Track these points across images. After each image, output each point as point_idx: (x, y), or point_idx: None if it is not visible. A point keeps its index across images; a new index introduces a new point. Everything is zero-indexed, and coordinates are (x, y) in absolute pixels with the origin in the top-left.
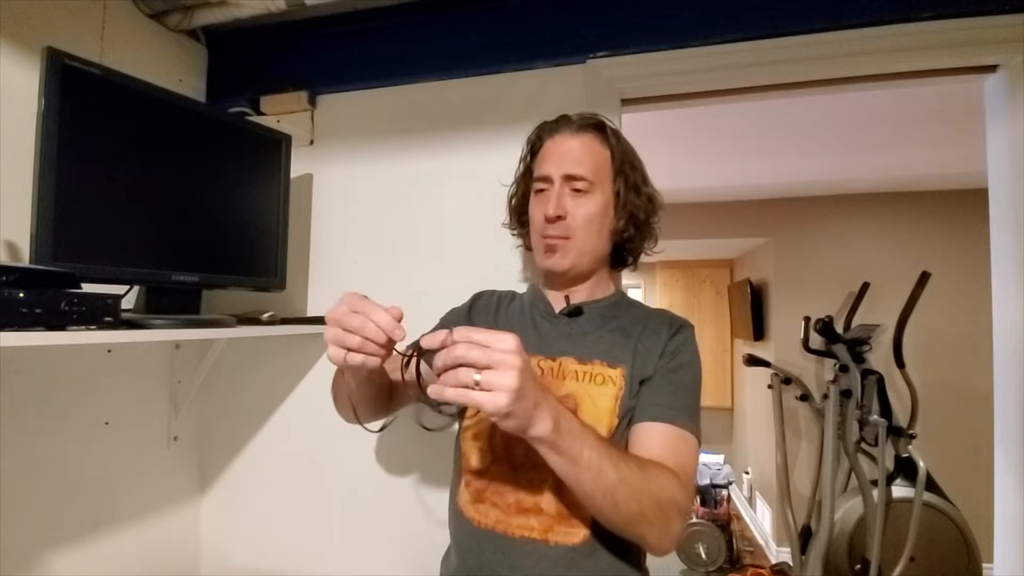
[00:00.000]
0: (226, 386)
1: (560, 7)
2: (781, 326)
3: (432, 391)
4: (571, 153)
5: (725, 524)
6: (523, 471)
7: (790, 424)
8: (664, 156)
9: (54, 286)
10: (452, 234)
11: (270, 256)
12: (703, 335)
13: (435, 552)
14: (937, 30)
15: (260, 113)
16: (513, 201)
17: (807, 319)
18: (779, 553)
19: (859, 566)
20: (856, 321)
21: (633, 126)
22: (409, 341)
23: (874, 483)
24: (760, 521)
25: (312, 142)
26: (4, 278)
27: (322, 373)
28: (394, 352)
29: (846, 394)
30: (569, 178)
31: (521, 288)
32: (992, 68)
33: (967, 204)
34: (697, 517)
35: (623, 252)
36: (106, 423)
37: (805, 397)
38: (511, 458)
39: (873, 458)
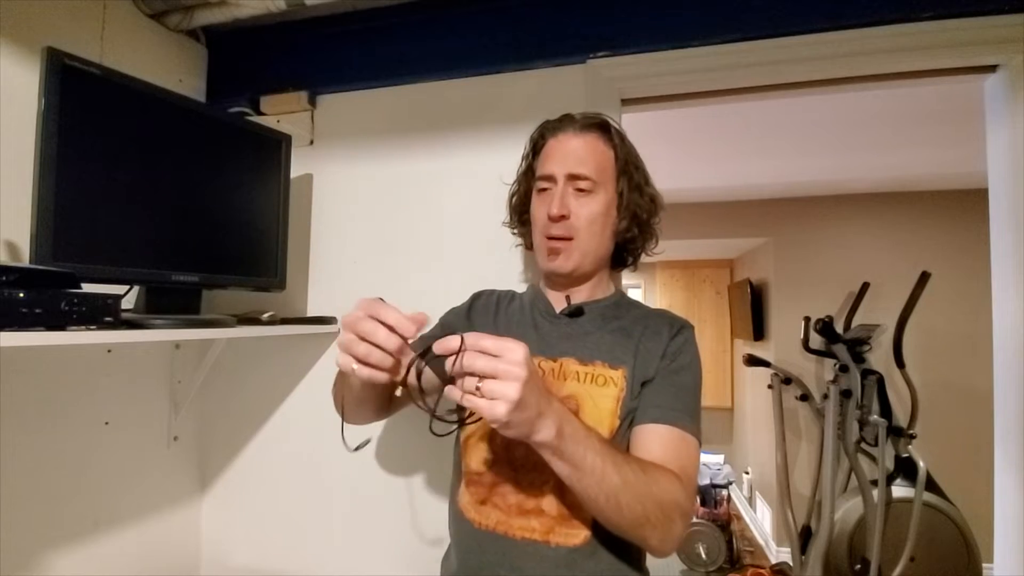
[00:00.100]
0: (226, 386)
1: (560, 7)
2: (781, 326)
3: (448, 392)
4: (575, 152)
5: (725, 524)
6: (523, 472)
7: (790, 424)
8: (664, 156)
9: (54, 286)
10: (452, 234)
11: (270, 256)
12: (703, 335)
13: (435, 552)
14: (937, 30)
15: (260, 113)
16: (514, 199)
17: (807, 319)
18: (779, 553)
19: (859, 566)
20: (856, 321)
21: (633, 126)
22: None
23: (874, 483)
24: (760, 521)
25: (312, 142)
26: (4, 278)
27: (322, 373)
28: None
29: (846, 394)
30: (573, 178)
31: (521, 288)
32: (992, 68)
33: (967, 204)
34: (697, 517)
35: (624, 252)
36: (106, 423)
37: (805, 397)
38: (511, 459)
39: (873, 458)
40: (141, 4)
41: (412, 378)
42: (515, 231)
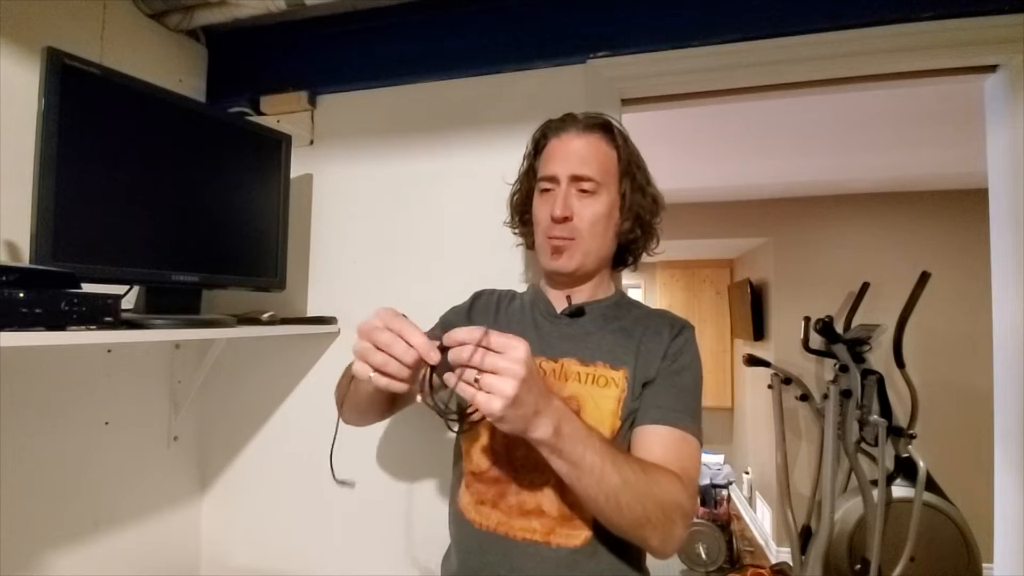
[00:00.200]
0: (226, 386)
1: (560, 7)
2: (781, 326)
3: (446, 378)
4: (577, 153)
5: (725, 524)
6: (524, 472)
7: (790, 424)
8: (664, 156)
9: (54, 286)
10: (452, 234)
11: (270, 256)
12: (703, 335)
13: (435, 552)
14: (937, 30)
15: (260, 113)
16: (515, 199)
17: (807, 319)
18: (779, 553)
19: (859, 566)
20: (856, 321)
21: (633, 126)
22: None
23: (874, 483)
24: (760, 521)
25: (312, 142)
26: (4, 278)
27: (322, 373)
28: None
29: (846, 394)
30: (576, 178)
31: (522, 288)
32: (992, 68)
33: (967, 204)
34: (697, 517)
35: (625, 252)
36: (106, 423)
37: (805, 397)
38: (512, 460)
39: (873, 458)
40: (141, 4)
41: (424, 381)
42: (516, 231)
